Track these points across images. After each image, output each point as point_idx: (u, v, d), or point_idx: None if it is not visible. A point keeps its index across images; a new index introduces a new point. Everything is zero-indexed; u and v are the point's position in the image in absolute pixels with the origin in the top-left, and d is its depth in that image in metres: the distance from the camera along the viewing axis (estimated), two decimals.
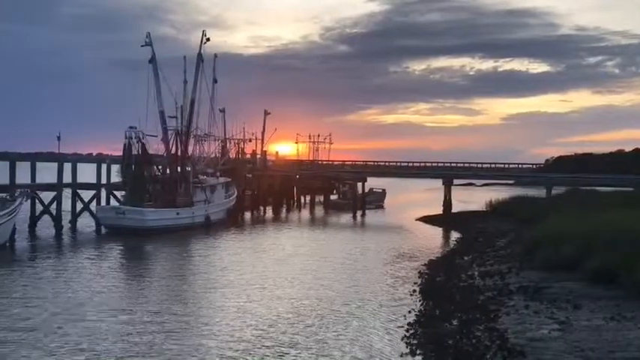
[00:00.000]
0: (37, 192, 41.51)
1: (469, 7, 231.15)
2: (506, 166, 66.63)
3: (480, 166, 67.25)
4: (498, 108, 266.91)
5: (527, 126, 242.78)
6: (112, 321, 19.05)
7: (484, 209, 58.97)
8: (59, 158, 44.56)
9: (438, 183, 63.14)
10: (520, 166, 68.10)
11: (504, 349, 14.29)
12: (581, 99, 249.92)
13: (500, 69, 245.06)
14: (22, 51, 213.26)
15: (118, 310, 20.50)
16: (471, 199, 75.09)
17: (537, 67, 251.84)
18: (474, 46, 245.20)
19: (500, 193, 70.31)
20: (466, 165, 68.21)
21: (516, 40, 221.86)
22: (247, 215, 59.50)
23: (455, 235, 45.62)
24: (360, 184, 70.43)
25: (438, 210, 59.44)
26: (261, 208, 64.76)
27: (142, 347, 16.52)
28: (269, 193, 68.66)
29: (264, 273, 28.28)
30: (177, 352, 16.23)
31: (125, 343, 16.79)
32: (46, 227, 41.81)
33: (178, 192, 48.24)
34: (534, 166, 67.56)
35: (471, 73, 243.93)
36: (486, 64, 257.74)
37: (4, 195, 37.01)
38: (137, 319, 19.47)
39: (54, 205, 42.54)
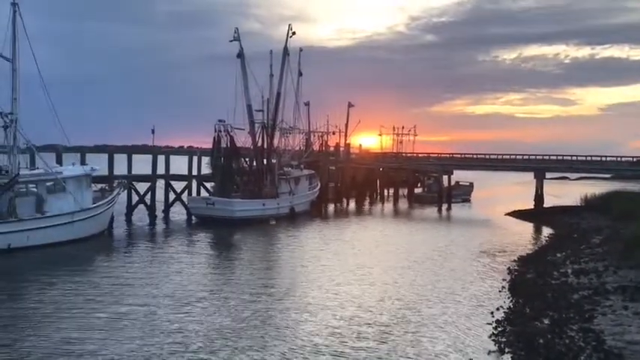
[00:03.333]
0: (133, 183, 43.84)
1: None
2: (604, 158, 62.67)
3: (574, 158, 63.65)
4: (596, 97, 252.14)
5: (627, 116, 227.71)
6: (201, 304, 19.86)
7: (578, 204, 56.05)
8: (153, 151, 46.75)
9: (529, 176, 60.72)
10: (619, 159, 63.84)
11: (600, 352, 13.54)
12: None
13: (597, 56, 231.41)
14: (118, 49, 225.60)
15: (207, 294, 21.34)
16: (565, 193, 71.73)
17: (639, 54, 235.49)
18: (569, 33, 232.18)
19: (596, 187, 66.62)
20: (559, 157, 64.72)
21: (616, 25, 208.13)
22: (330, 207, 59.93)
23: (546, 231, 43.76)
24: (445, 177, 69.04)
25: (529, 204, 57.15)
26: (344, 200, 65.01)
27: (230, 330, 17.08)
28: (352, 186, 68.76)
29: (348, 265, 28.39)
30: (267, 336, 16.70)
31: (213, 325, 17.46)
32: (141, 216, 44.16)
33: (264, 184, 49.35)
34: (634, 159, 63.13)
35: (566, 61, 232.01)
36: (582, 52, 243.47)
37: (103, 185, 39.34)
38: (225, 303, 20.21)
39: (149, 195, 44.82)
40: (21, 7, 30.69)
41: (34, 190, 31.85)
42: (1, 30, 30.50)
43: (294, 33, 50.98)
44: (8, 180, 29.96)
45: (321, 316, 18.98)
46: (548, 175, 61.28)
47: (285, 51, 50.98)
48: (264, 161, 50.62)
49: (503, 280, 25.01)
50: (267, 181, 49.73)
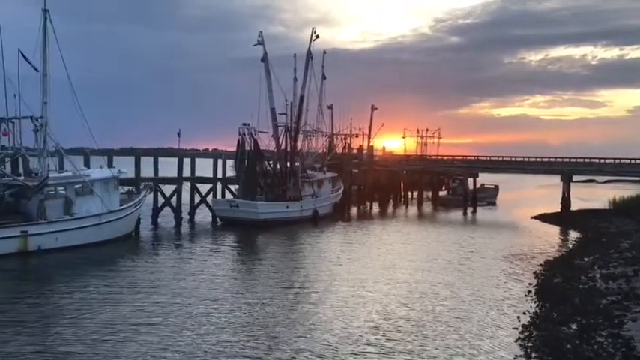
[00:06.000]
0: (160, 185, 44.37)
1: None
2: (632, 161, 61.46)
3: (602, 161, 62.58)
4: (624, 99, 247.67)
5: None
6: (225, 304, 20.07)
7: (606, 208, 55.07)
8: (179, 154, 47.24)
9: (556, 179, 59.93)
10: None
11: (630, 358, 13.32)
12: None
13: (626, 57, 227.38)
14: (144, 52, 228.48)
15: (230, 295, 21.58)
16: (592, 196, 70.62)
17: None
18: (597, 34, 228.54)
19: (624, 190, 65.46)
20: (587, 160, 63.69)
21: None
22: (354, 210, 59.86)
23: (574, 235, 43.11)
24: (470, 180, 68.44)
25: (555, 208, 56.38)
26: (368, 203, 64.84)
27: (267, 325, 17.46)
28: (375, 189, 68.52)
29: (372, 268, 28.37)
30: (309, 329, 17.30)
31: (249, 321, 17.81)
32: (167, 218, 44.68)
33: (287, 186, 49.52)
34: None
35: (593, 62, 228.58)
36: (610, 53, 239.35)
37: (130, 188, 39.89)
38: (258, 301, 20.61)
39: (174, 198, 45.33)
40: (51, 11, 31.39)
41: (63, 192, 32.44)
42: (30, 34, 31.24)
43: (317, 36, 51.16)
44: (38, 183, 30.58)
45: (357, 313, 19.66)
46: (575, 178, 60.42)
47: (309, 54, 51.13)
48: (288, 164, 50.81)
49: (530, 284, 24.74)
50: (291, 184, 49.90)
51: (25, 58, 30.47)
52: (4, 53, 30.59)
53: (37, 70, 31.04)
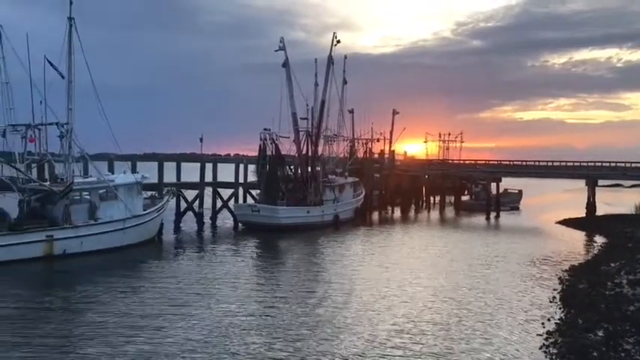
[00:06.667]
0: (182, 190, 44.74)
1: None
2: None
3: (628, 165, 61.47)
4: None
5: None
6: (249, 307, 20.15)
7: (633, 212, 54.03)
8: (201, 159, 47.65)
9: (580, 184, 59.02)
10: None
11: None
12: None
13: None
14: (167, 59, 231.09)
15: (254, 298, 21.68)
16: (618, 201, 69.39)
17: None
18: (622, 36, 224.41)
19: None
20: (612, 164, 62.63)
21: None
22: (375, 215, 59.63)
23: (599, 240, 42.37)
24: (493, 185, 67.74)
25: (580, 213, 55.50)
26: (389, 208, 64.55)
27: (294, 329, 17.63)
28: (397, 193, 68.21)
29: (396, 272, 28.24)
30: (337, 333, 17.45)
31: (261, 327, 17.74)
32: (189, 223, 45.02)
33: (309, 191, 49.57)
34: None
35: (619, 65, 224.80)
36: (636, 55, 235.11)
37: (153, 193, 40.28)
38: (284, 305, 20.81)
39: (197, 203, 45.66)
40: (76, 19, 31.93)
41: (88, 197, 32.90)
42: (55, 42, 31.82)
43: (338, 41, 51.17)
44: (63, 188, 31.06)
45: (383, 316, 19.77)
46: (600, 182, 59.39)
47: (330, 59, 51.15)
48: (309, 169, 50.85)
49: (554, 289, 24.38)
50: (312, 189, 49.93)
51: (51, 64, 31.01)
52: (31, 60, 31.21)
53: (63, 77, 31.57)
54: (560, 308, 21.06)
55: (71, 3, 31.97)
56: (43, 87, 30.82)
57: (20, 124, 31.93)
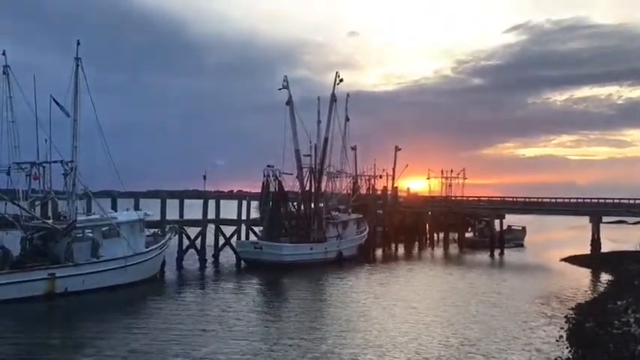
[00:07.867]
0: (185, 227, 44.65)
1: (617, 33, 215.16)
2: None
3: (633, 202, 61.30)
4: None
5: None
6: (252, 346, 19.79)
7: (638, 249, 53.54)
8: (204, 195, 47.66)
9: (584, 220, 58.68)
10: None
11: None
12: None
13: None
14: (170, 98, 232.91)
15: (257, 338, 21.35)
16: (623, 237, 68.79)
17: None
18: (622, 73, 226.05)
19: None
20: (616, 201, 62.46)
21: None
22: (379, 252, 59.22)
23: (605, 277, 41.95)
24: (497, 221, 67.41)
25: (585, 249, 55.06)
26: (393, 244, 64.17)
27: None
28: (400, 230, 67.91)
29: (401, 310, 27.96)
30: None
31: None
32: (191, 260, 44.75)
33: (312, 228, 49.39)
34: None
35: (619, 101, 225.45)
36: (636, 92, 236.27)
37: (155, 230, 40.21)
38: (291, 342, 20.76)
39: (199, 240, 45.47)
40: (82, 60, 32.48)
41: (90, 234, 32.80)
42: (60, 82, 32.23)
43: (341, 80, 51.65)
44: (66, 225, 31.02)
45: (391, 354, 19.63)
46: (604, 219, 59.08)
47: (333, 97, 51.66)
48: (312, 205, 50.81)
49: (561, 328, 24.03)
50: (315, 226, 49.78)
51: (57, 104, 31.38)
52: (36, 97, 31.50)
53: (69, 116, 31.91)
54: (567, 347, 20.67)
55: (78, 44, 32.58)
56: (48, 125, 31.16)
57: (25, 162, 32.10)
